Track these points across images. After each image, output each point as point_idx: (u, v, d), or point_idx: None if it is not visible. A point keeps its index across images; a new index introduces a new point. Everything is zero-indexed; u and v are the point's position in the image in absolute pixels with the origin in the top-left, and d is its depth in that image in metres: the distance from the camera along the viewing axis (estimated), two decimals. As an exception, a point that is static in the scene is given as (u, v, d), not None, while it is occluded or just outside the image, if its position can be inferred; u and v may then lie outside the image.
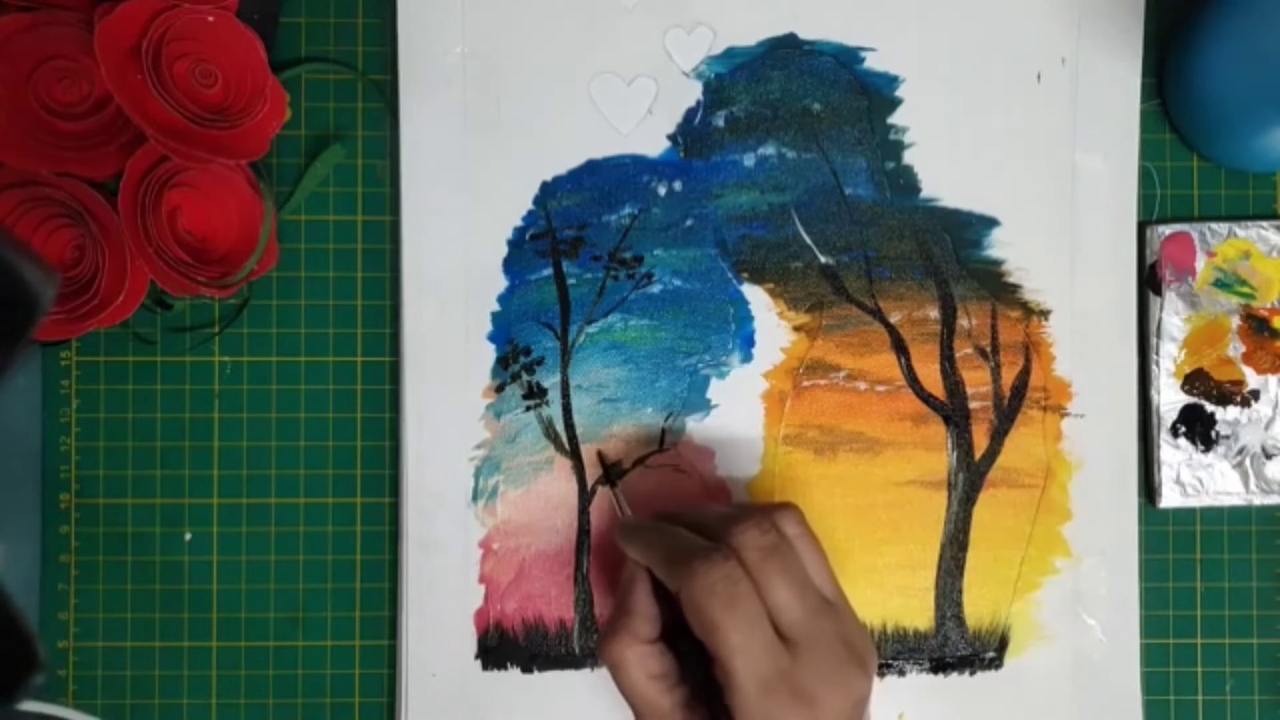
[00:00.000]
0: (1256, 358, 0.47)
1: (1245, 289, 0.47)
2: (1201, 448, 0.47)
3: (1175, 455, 0.47)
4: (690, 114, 0.46)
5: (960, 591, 0.46)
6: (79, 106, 0.42)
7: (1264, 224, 0.47)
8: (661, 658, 0.38)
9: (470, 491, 0.45)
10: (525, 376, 0.46)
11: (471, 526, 0.45)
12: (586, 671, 0.46)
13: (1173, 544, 0.47)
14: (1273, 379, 0.47)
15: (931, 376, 0.47)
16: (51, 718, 0.43)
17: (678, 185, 0.46)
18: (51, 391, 0.46)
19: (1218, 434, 0.47)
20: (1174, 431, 0.47)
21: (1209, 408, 0.47)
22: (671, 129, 0.46)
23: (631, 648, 0.38)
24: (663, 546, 0.39)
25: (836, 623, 0.38)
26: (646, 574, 0.39)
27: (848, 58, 0.46)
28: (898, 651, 0.46)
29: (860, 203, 0.46)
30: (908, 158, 0.46)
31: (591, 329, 0.46)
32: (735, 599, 0.36)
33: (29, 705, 0.42)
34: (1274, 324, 0.47)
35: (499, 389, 0.46)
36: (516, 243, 0.46)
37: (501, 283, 0.46)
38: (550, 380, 0.46)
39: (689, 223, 0.46)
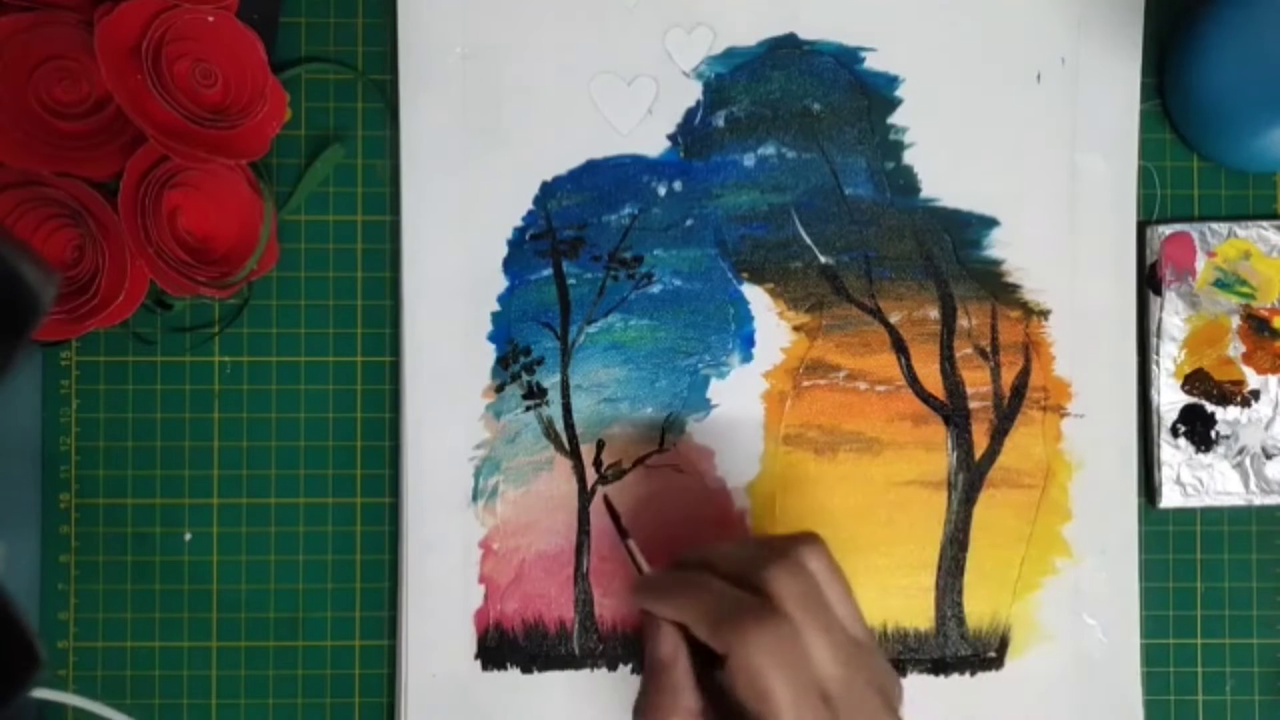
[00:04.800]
0: (1256, 358, 0.47)
1: (1245, 289, 0.47)
2: (1201, 448, 0.47)
3: (1175, 455, 0.47)
4: (690, 114, 0.46)
5: (960, 591, 0.46)
6: (79, 106, 0.42)
7: (1264, 224, 0.47)
8: None
9: (470, 491, 0.45)
10: (525, 376, 0.46)
11: (471, 526, 0.45)
12: (586, 671, 0.46)
13: (1173, 544, 0.47)
14: (1273, 379, 0.47)
15: (931, 376, 0.47)
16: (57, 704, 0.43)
17: (678, 185, 0.46)
18: (51, 391, 0.46)
19: (1218, 434, 0.47)
20: (1174, 431, 0.47)
21: (1209, 408, 0.47)
22: (671, 129, 0.46)
23: None
24: (702, 603, 0.36)
25: (869, 668, 0.37)
26: (683, 640, 0.37)
27: (848, 58, 0.46)
28: (898, 651, 0.46)
29: (860, 203, 0.46)
30: (908, 158, 0.46)
31: (591, 329, 0.46)
32: (790, 664, 0.35)
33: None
34: (1274, 324, 0.47)
35: (499, 389, 0.46)
36: (516, 243, 0.46)
37: (501, 283, 0.46)
38: (550, 380, 0.46)
39: (689, 223, 0.46)
